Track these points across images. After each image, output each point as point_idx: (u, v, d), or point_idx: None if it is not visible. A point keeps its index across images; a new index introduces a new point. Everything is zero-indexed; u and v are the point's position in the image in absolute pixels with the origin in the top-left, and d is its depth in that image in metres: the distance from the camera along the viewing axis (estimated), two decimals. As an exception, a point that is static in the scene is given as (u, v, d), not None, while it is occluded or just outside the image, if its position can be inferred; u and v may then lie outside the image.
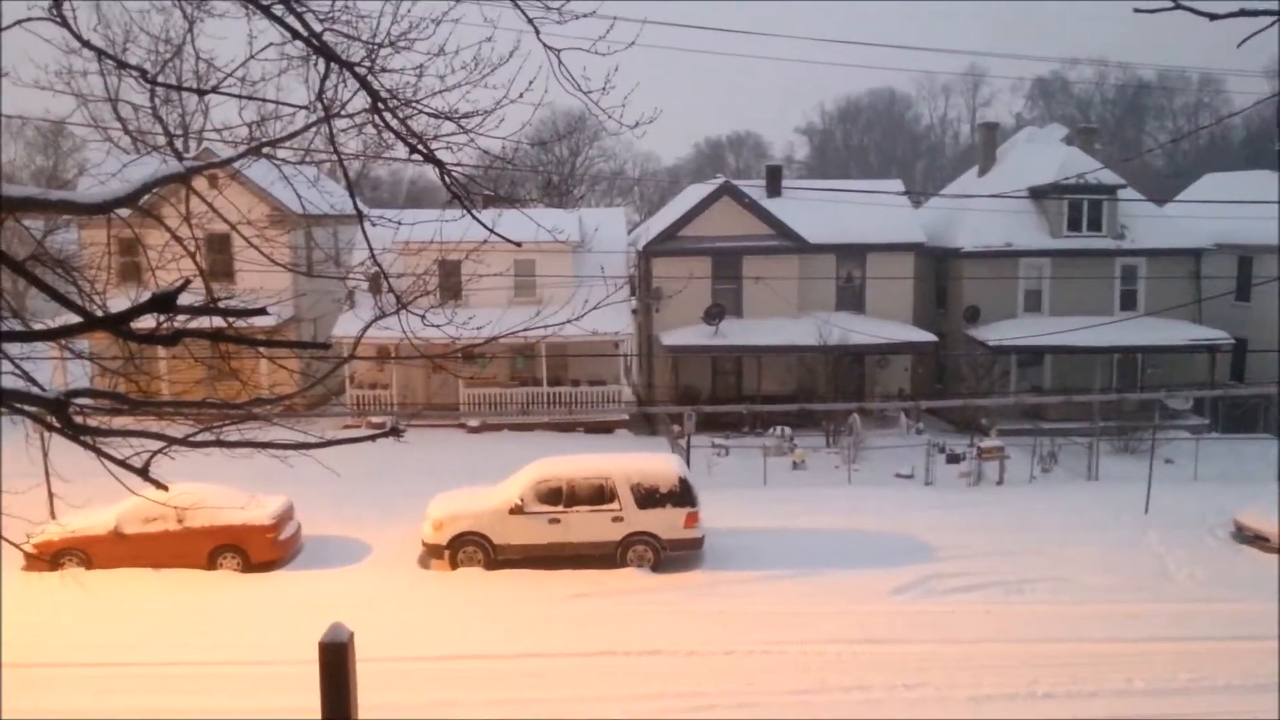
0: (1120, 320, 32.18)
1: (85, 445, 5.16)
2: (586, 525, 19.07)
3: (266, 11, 5.16)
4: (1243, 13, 5.09)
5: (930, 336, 32.33)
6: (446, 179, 6.17)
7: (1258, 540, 20.45)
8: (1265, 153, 41.56)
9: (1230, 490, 23.33)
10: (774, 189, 34.89)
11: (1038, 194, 33.77)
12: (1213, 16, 5.18)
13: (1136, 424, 28.73)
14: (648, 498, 19.14)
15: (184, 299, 4.36)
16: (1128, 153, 63.59)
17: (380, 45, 5.54)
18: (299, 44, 5.39)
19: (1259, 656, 14.92)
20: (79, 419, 5.21)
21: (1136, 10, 5.27)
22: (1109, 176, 34.02)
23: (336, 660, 4.78)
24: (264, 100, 5.82)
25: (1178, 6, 5.01)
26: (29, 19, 5.14)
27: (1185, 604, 17.43)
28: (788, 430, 28.87)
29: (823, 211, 32.56)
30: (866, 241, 33.25)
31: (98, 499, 14.93)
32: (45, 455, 18.43)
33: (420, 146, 5.86)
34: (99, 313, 4.77)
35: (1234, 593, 17.84)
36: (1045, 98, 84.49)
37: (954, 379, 33.48)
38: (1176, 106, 78.28)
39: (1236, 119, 58.13)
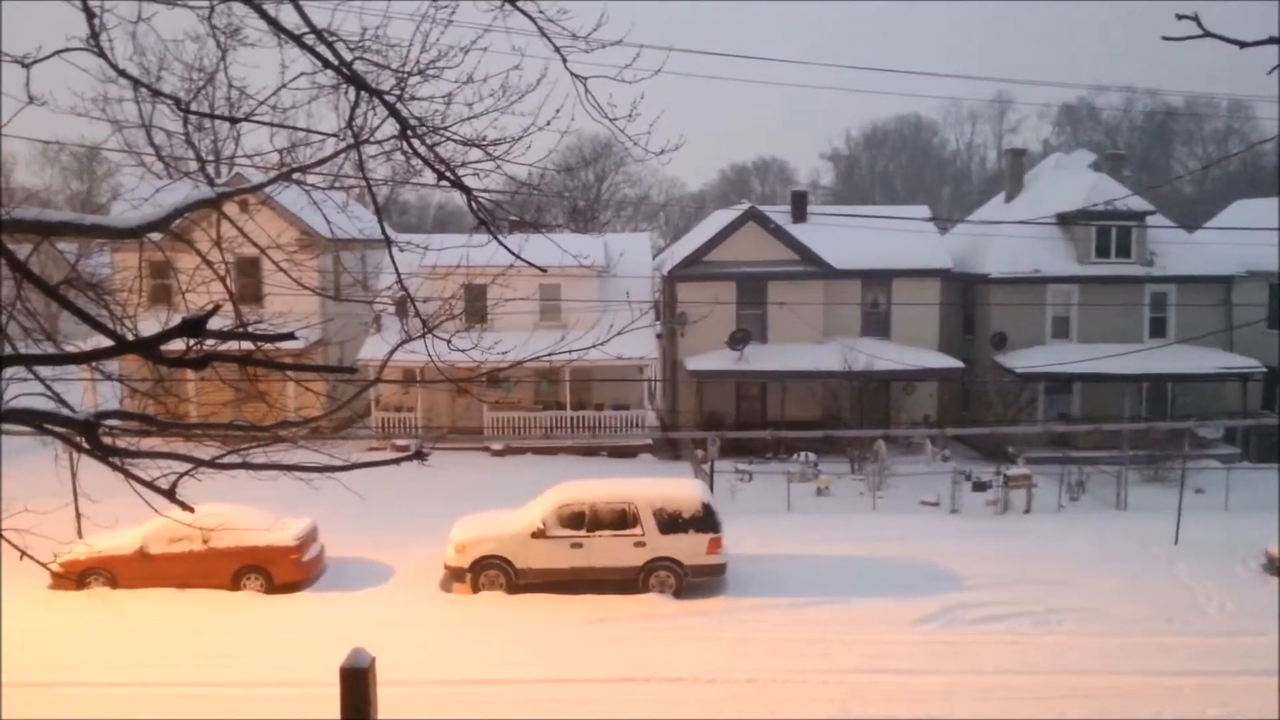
0: (1150, 348, 31.84)
1: (113, 466, 5.22)
2: (609, 550, 19.01)
3: (299, 41, 5.24)
4: (1272, 40, 5.06)
5: (957, 363, 32.13)
6: (473, 205, 6.22)
7: (1291, 572, 20.08)
8: (1296, 179, 41.20)
9: (1262, 521, 22.93)
10: (799, 214, 34.90)
11: (1065, 220, 33.59)
12: (1242, 44, 5.15)
13: (1166, 453, 28.34)
14: (670, 523, 19.08)
15: (213, 322, 4.42)
16: (1156, 179, 63.20)
17: (409, 73, 5.61)
18: (330, 73, 5.47)
19: (1293, 692, 14.63)
20: (108, 440, 5.27)
21: (1165, 38, 5.25)
22: (1137, 203, 33.79)
23: (357, 686, 4.78)
24: (295, 128, 5.90)
25: (1206, 34, 4.99)
26: (67, 49, 5.24)
27: (1215, 636, 17.14)
28: (812, 456, 28.70)
29: (848, 237, 32.52)
30: (892, 267, 33.18)
31: (125, 519, 15.08)
32: (74, 475, 18.65)
33: (448, 173, 5.92)
34: (130, 336, 4.84)
35: (1265, 625, 17.50)
36: (1073, 124, 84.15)
37: (981, 406, 33.22)
38: (1206, 133, 77.79)
39: (1267, 145, 57.66)
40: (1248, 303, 33.43)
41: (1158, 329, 33.28)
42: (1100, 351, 30.66)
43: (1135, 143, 75.95)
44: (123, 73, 5.33)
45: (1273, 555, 20.63)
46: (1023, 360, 31.67)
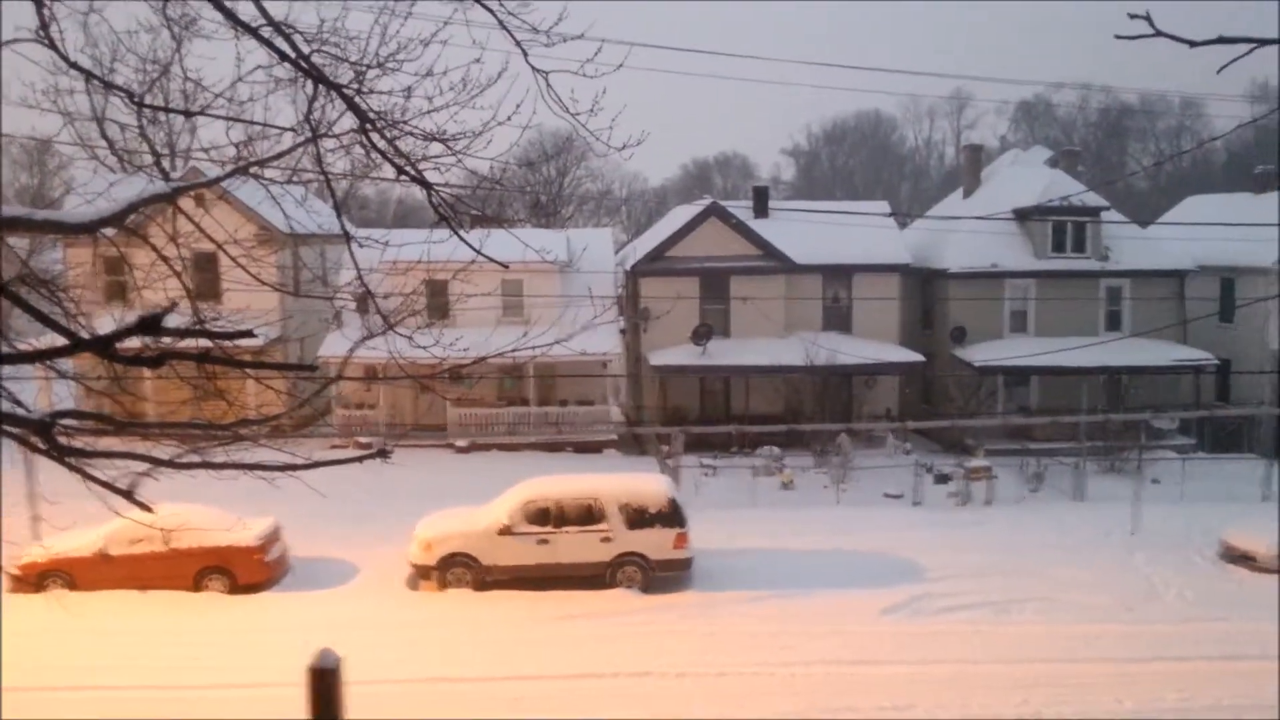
0: (1106, 341, 32.36)
1: (70, 467, 5.13)
2: (575, 546, 18.99)
3: (255, 34, 5.17)
4: (1221, 39, 5.14)
5: (917, 357, 32.43)
6: (434, 200, 6.17)
7: (1244, 559, 20.49)
8: (1246, 175, 41.96)
9: (1217, 510, 23.39)
10: (761, 210, 35.03)
11: (1022, 215, 34.00)
12: (1192, 43, 5.22)
13: (1123, 444, 28.82)
14: (637, 518, 19.09)
15: (170, 320, 4.35)
16: (1111, 175, 64.13)
17: (368, 66, 5.56)
18: (287, 66, 5.40)
19: (1249, 676, 14.94)
20: (64, 440, 5.18)
21: (1117, 37, 5.32)
22: (1092, 198, 34.28)
23: (326, 686, 4.73)
24: (251, 122, 5.82)
25: (1158, 34, 5.06)
26: (16, 40, 5.14)
27: (1174, 624, 17.45)
28: (776, 450, 28.86)
29: (809, 232, 32.71)
30: (853, 262, 33.40)
31: (84, 521, 14.83)
32: (29, 477, 18.33)
33: (408, 167, 5.88)
34: (85, 334, 4.76)
35: (1222, 612, 17.86)
36: (1029, 121, 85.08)
37: (941, 399, 33.57)
38: (1159, 129, 78.98)
39: (1217, 142, 58.76)
40: (1200, 296, 34.06)
41: (1113, 323, 33.80)
42: (1057, 345, 31.03)
43: (1090, 139, 76.98)
44: (74, 65, 5.23)
45: (1228, 543, 21.03)
46: (981, 354, 32.03)
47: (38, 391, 25.09)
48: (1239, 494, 25.72)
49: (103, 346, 4.35)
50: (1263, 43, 4.91)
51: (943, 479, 26.86)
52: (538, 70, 5.91)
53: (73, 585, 18.58)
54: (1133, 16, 4.99)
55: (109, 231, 5.25)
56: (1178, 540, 21.91)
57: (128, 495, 5.35)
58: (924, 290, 35.68)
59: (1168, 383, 33.46)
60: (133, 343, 4.48)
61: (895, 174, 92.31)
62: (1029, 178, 36.16)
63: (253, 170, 6.16)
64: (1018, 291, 33.78)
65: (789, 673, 15.36)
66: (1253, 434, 32.76)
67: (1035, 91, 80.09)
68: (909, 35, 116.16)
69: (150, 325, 4.18)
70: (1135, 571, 20.17)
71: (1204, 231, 30.96)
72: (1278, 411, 31.50)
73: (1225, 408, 33.98)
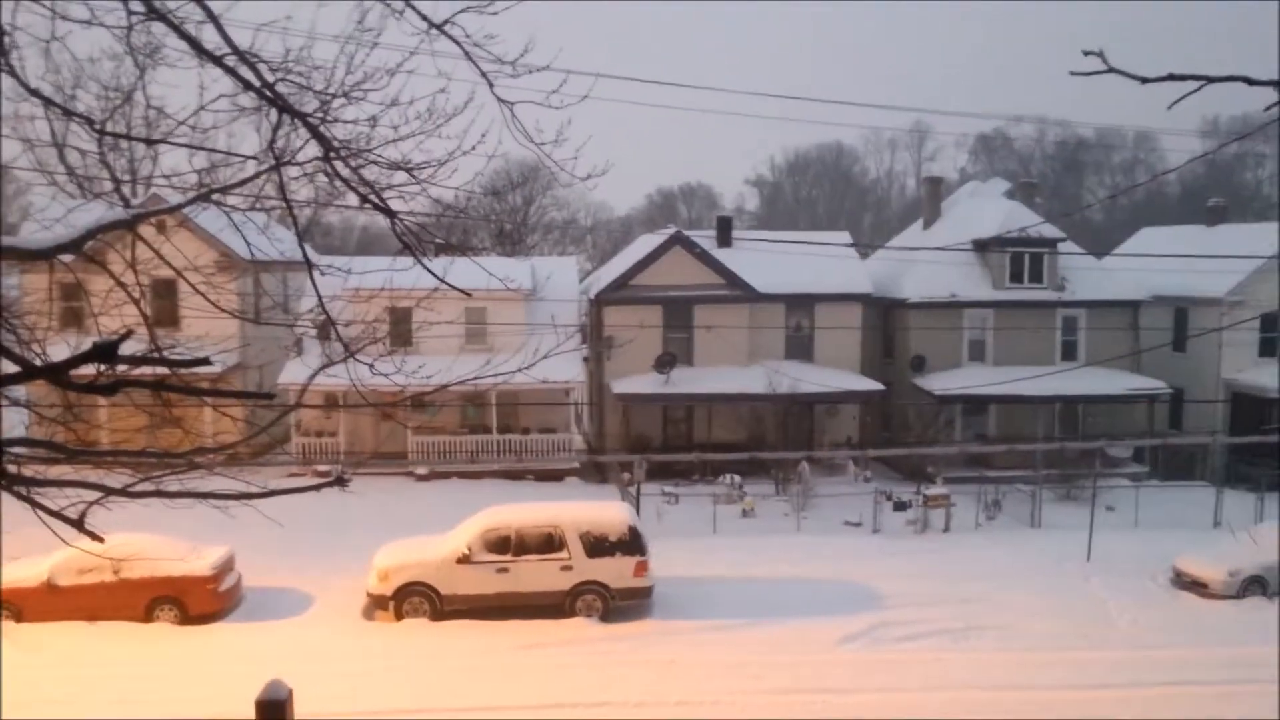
0: (1062, 370, 32.83)
1: (18, 496, 5.04)
2: (535, 575, 18.87)
3: (219, 62, 5.16)
4: (1171, 77, 5.29)
5: (877, 385, 32.69)
6: (397, 228, 6.17)
7: (1195, 586, 20.80)
8: (1199, 207, 42.97)
9: (1169, 537, 23.74)
10: (724, 239, 35.25)
11: (981, 247, 34.48)
12: (1144, 80, 5.38)
13: (1078, 472, 29.20)
14: (597, 546, 19.02)
15: (127, 347, 4.30)
16: (1068, 207, 65.30)
17: (333, 95, 5.56)
18: (252, 94, 5.39)
19: (1201, 701, 15.13)
20: (13, 468, 5.09)
21: (1072, 74, 5.46)
22: (1050, 230, 34.85)
23: (274, 719, 4.67)
24: (214, 150, 5.80)
25: (1111, 70, 5.20)
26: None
27: (1128, 650, 17.66)
28: (738, 478, 28.89)
29: (772, 262, 32.93)
30: (815, 291, 33.66)
31: (34, 551, 14.51)
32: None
33: (372, 195, 5.87)
34: (38, 361, 4.69)
35: (1174, 638, 18.11)
36: (988, 153, 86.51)
37: (901, 427, 33.83)
38: (1114, 163, 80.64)
39: (1171, 175, 60.08)
40: (1154, 326, 34.69)
41: (1069, 352, 34.31)
42: (1014, 374, 31.44)
43: (1048, 172, 78.36)
44: (34, 92, 5.19)
45: (1180, 570, 21.33)
46: (941, 382, 32.35)
47: (-13, 417, 24.57)
48: (1191, 521, 26.13)
49: (56, 373, 4.30)
50: (1210, 80, 5.07)
51: (901, 506, 27.02)
52: (503, 101, 5.95)
53: (19, 617, 18.16)
54: (1087, 53, 5.13)
55: (66, 258, 5.19)
56: (1131, 567, 22.20)
57: (78, 525, 5.27)
58: (885, 319, 36.03)
59: (1122, 411, 33.99)
60: (88, 369, 4.42)
61: (857, 204, 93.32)
62: (988, 209, 36.72)
63: (215, 197, 6.13)
64: (976, 321, 34.22)
65: (750, 701, 15.33)
66: (1205, 462, 33.31)
67: (994, 125, 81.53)
68: (871, 69, 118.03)
69: (105, 352, 4.13)
70: (1090, 598, 20.39)
71: (1157, 263, 31.59)
72: (1229, 440, 32.08)
73: (1178, 436, 34.55)
